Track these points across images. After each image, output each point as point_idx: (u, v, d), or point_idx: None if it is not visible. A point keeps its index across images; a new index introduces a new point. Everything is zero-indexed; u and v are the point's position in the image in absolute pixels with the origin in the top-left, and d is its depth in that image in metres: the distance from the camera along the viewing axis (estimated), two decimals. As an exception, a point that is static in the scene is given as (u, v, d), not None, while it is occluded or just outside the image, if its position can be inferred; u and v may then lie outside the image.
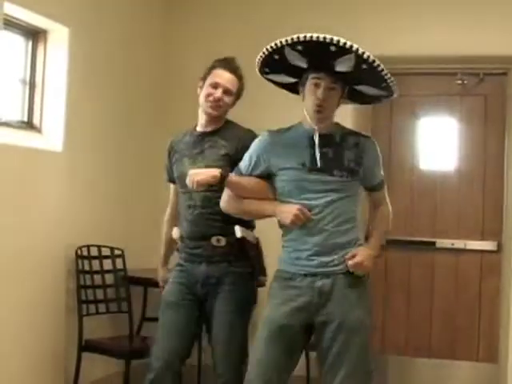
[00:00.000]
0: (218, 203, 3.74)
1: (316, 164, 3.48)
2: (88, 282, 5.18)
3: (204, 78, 4.01)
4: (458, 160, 6.03)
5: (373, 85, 3.52)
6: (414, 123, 6.11)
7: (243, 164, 3.67)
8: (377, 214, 3.68)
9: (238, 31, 6.02)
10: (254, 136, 3.82)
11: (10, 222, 4.56)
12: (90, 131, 5.30)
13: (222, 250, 3.90)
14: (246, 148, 3.71)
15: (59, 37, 5.04)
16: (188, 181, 3.69)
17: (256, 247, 3.96)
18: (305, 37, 3.32)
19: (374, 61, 3.36)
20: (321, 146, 3.50)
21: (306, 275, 3.50)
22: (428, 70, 6.01)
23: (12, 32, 4.85)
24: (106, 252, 5.35)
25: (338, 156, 3.51)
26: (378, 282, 5.98)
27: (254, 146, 3.66)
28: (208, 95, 3.95)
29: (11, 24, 4.76)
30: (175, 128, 4.30)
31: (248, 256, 3.92)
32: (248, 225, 3.93)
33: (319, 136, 3.51)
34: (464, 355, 5.90)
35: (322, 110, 3.48)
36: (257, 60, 3.56)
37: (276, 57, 3.48)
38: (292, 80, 3.62)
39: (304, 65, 3.48)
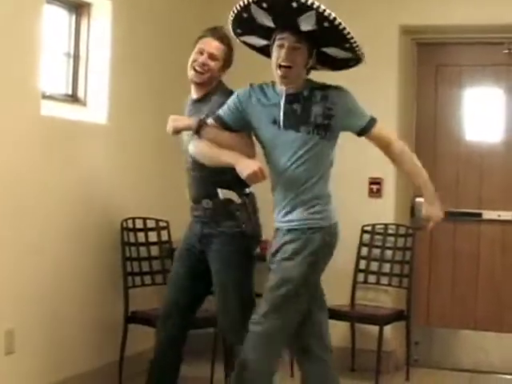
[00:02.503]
0: (205, 166, 3.86)
1: (282, 121, 3.56)
2: (134, 254, 5.22)
3: (193, 48, 4.13)
4: (505, 131, 5.93)
5: (337, 45, 3.53)
6: (459, 93, 6.02)
7: (222, 109, 3.74)
8: (399, 157, 3.64)
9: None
10: (230, 93, 3.90)
11: (55, 195, 4.60)
12: (135, 103, 5.31)
13: (210, 212, 4.08)
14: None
15: (102, 10, 5.05)
16: (167, 125, 3.84)
17: (244, 206, 4.06)
18: None
19: (335, 18, 3.37)
20: (289, 102, 3.56)
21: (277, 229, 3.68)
22: (474, 40, 5.90)
23: (56, 6, 4.86)
24: (151, 224, 5.37)
25: (305, 112, 3.56)
26: (423, 253, 5.95)
27: (234, 94, 3.75)
28: (194, 61, 4.09)
29: (55, -3, 4.78)
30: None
31: (234, 216, 4.03)
32: (237, 186, 3.97)
33: (288, 95, 3.56)
34: (510, 327, 5.83)
35: (287, 75, 3.53)
36: (228, 20, 3.64)
37: (245, 15, 3.54)
38: (264, 42, 3.66)
39: (271, 24, 3.52)
